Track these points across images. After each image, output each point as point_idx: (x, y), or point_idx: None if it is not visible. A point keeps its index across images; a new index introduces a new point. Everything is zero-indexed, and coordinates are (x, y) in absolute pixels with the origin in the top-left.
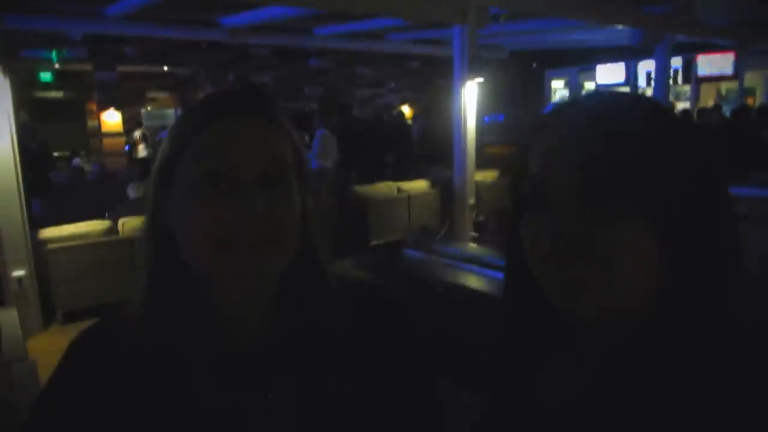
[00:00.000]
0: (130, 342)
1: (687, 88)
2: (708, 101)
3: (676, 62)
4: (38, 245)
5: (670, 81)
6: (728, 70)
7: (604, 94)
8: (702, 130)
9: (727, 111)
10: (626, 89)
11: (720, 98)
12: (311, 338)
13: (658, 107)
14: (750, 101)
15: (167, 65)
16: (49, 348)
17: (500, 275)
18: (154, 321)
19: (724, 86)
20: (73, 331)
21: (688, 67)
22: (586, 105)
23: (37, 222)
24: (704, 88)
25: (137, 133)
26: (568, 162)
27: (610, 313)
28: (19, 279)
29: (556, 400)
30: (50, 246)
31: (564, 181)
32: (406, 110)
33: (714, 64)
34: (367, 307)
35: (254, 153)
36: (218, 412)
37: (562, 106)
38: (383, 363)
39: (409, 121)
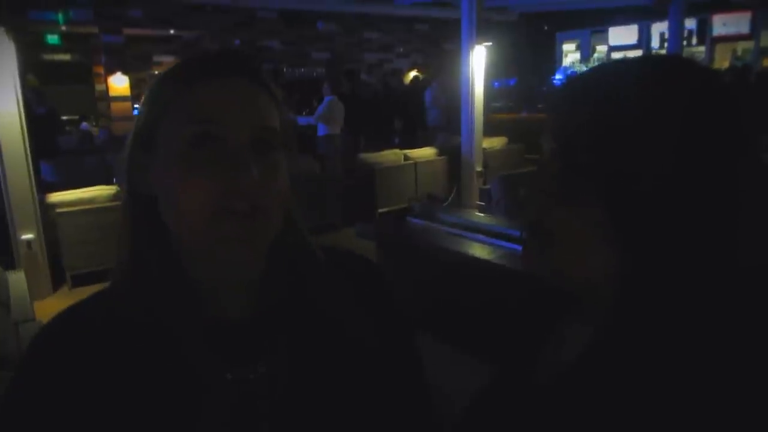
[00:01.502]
0: (108, 317)
1: (701, 49)
2: (723, 63)
3: (691, 23)
4: (47, 209)
5: (684, 42)
6: (744, 28)
7: (595, 72)
8: (698, 110)
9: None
10: (638, 52)
11: (735, 59)
12: (298, 305)
13: (643, 88)
14: (766, 61)
15: (173, 29)
16: (57, 310)
17: (503, 244)
18: (137, 291)
19: (740, 47)
20: (82, 294)
21: (703, 27)
22: (569, 90)
23: (45, 186)
24: (719, 49)
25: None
26: (548, 146)
27: (567, 282)
28: (28, 242)
29: (553, 369)
30: (59, 210)
31: (544, 161)
32: (413, 74)
33: (730, 23)
34: (350, 273)
35: (245, 116)
36: (205, 383)
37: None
38: (368, 325)
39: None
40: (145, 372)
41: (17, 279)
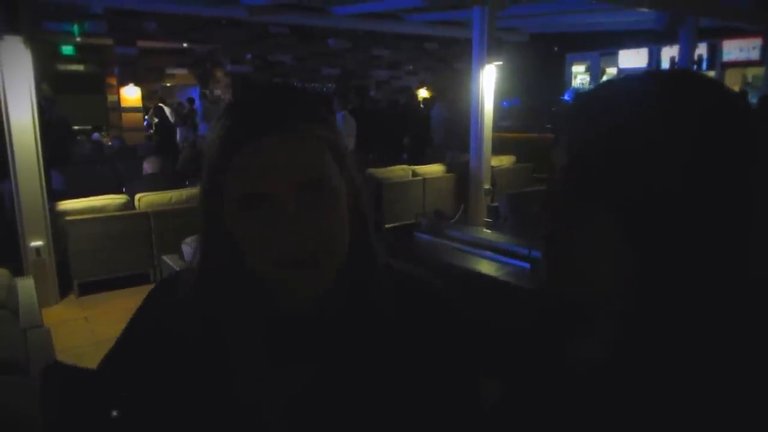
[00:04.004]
0: (184, 310)
1: (712, 74)
2: (733, 88)
3: (701, 48)
4: (57, 217)
5: (694, 67)
6: (755, 54)
7: (604, 87)
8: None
9: (753, 98)
10: None
11: (746, 84)
12: (359, 316)
13: (650, 102)
14: None
15: (186, 42)
16: (64, 317)
17: (510, 261)
18: (206, 285)
19: (750, 72)
20: (89, 302)
21: (713, 52)
22: (580, 106)
23: (56, 194)
24: (729, 74)
25: (151, 111)
26: (559, 162)
27: (583, 295)
28: (37, 249)
29: (564, 385)
30: (68, 218)
31: (558, 176)
32: (424, 93)
33: (740, 48)
34: (419, 300)
35: (287, 173)
36: (259, 383)
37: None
38: (429, 355)
39: (422, 105)
40: (197, 366)
41: (26, 285)
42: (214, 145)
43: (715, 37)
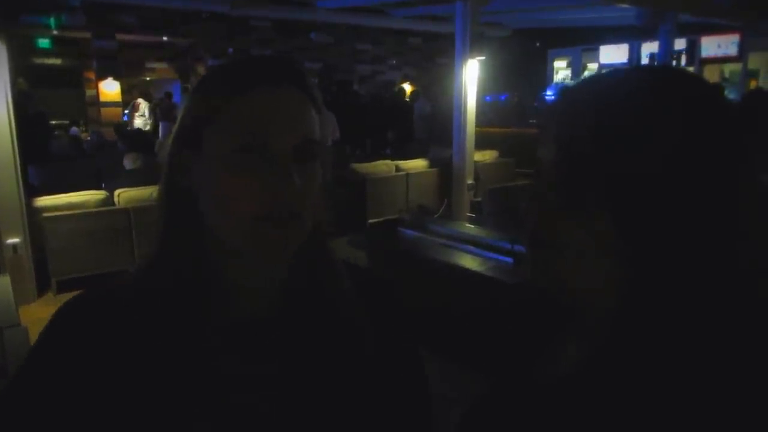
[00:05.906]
0: (127, 305)
1: (690, 69)
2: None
3: (680, 44)
4: (34, 213)
5: (673, 62)
6: (733, 50)
7: (590, 81)
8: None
9: (730, 93)
10: None
11: (723, 80)
12: (313, 308)
13: (638, 95)
14: (753, 83)
15: (167, 35)
16: (42, 316)
17: (493, 256)
18: (159, 284)
19: (728, 68)
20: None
21: (692, 48)
22: (568, 100)
23: (33, 190)
24: (708, 70)
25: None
26: (546, 158)
27: (570, 293)
28: (14, 246)
29: (553, 376)
30: (46, 214)
31: (545, 171)
32: (407, 87)
33: (718, 45)
34: (365, 287)
35: (290, 126)
36: (219, 378)
37: (559, 95)
38: (380, 338)
39: (408, 99)
40: (156, 363)
41: (2, 283)
42: (208, 88)
43: (693, 33)
